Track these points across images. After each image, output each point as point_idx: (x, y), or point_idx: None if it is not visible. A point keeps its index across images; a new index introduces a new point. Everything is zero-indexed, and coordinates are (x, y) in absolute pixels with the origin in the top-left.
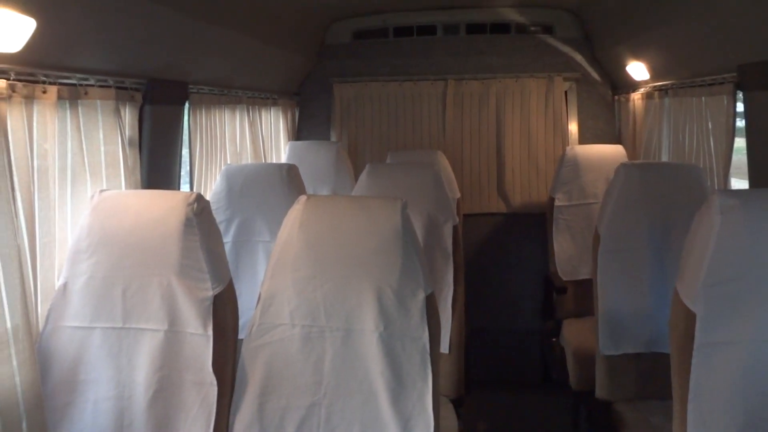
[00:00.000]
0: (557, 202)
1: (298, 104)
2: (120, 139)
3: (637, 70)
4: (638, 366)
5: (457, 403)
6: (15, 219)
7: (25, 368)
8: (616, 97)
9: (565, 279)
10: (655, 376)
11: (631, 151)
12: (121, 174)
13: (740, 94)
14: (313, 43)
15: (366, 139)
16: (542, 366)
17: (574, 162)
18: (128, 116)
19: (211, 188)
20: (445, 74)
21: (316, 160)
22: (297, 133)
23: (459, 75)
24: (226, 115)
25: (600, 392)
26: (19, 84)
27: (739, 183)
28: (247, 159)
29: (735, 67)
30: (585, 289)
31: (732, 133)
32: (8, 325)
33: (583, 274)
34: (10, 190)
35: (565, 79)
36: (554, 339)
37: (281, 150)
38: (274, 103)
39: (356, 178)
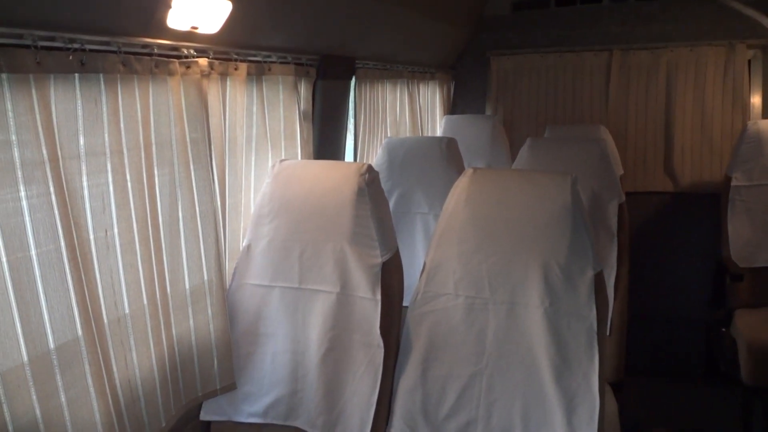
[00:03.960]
0: (734, 182)
1: (454, 78)
2: (297, 112)
3: None
4: None
5: (617, 387)
6: (212, 184)
7: (218, 318)
8: None
9: (740, 265)
10: None
11: None
12: (297, 144)
13: None
14: (472, 15)
15: (522, 113)
16: (708, 357)
17: (756, 138)
18: (303, 90)
19: (373, 160)
20: (610, 44)
21: (472, 133)
22: (452, 107)
23: (626, 45)
24: (387, 88)
25: None
26: (216, 62)
27: None
28: (406, 132)
29: None
30: (763, 277)
31: None
32: (205, 278)
33: (762, 261)
34: (208, 159)
35: (749, 47)
36: (724, 329)
37: (437, 123)
38: (432, 77)
39: (512, 152)
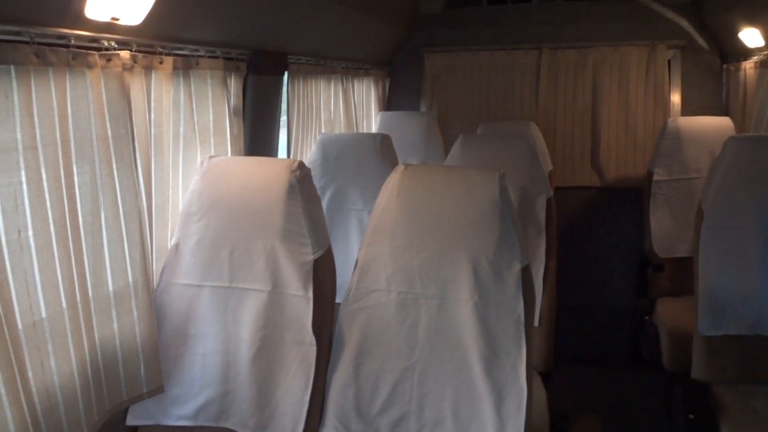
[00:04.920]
0: (656, 177)
1: (389, 74)
2: (227, 107)
3: (751, 36)
4: (740, 348)
5: (546, 377)
6: (136, 182)
7: (144, 320)
8: (725, 66)
9: (661, 256)
10: (760, 360)
11: (740, 124)
12: (227, 141)
13: None
14: (405, 12)
15: (456, 110)
16: (632, 344)
17: (676, 134)
18: (234, 86)
19: (306, 156)
20: (539, 43)
21: (407, 130)
22: (387, 103)
23: (554, 44)
24: (321, 84)
25: (696, 373)
26: (140, 55)
27: None
28: (340, 128)
29: None
30: (682, 266)
31: None
32: (130, 279)
33: (681, 252)
34: (132, 155)
35: (669, 47)
36: (647, 317)
37: (372, 120)
38: (366, 73)
39: (446, 149)
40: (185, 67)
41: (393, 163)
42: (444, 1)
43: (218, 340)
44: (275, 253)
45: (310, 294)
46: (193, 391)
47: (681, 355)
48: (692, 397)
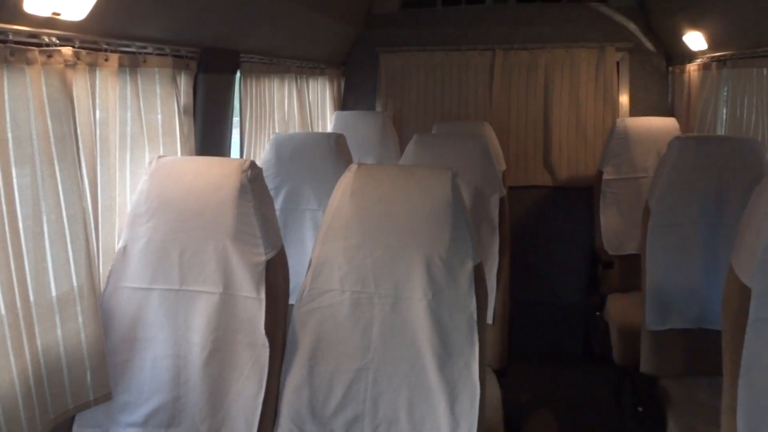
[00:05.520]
0: (605, 176)
1: (345, 74)
2: (176, 106)
3: (695, 39)
4: (685, 341)
5: (500, 374)
6: (80, 183)
7: (90, 325)
8: (671, 69)
9: (611, 253)
10: (704, 352)
11: (685, 125)
12: (177, 141)
13: None
14: (360, 12)
15: (411, 110)
16: (585, 340)
17: (624, 135)
18: (184, 84)
19: (260, 156)
20: (493, 44)
21: (362, 129)
22: (343, 103)
23: (507, 45)
24: (275, 84)
25: (645, 367)
26: (83, 52)
27: None
28: (294, 128)
29: None
30: (631, 263)
31: None
32: (74, 283)
33: (630, 249)
34: (75, 155)
35: (618, 50)
36: (598, 313)
37: (327, 119)
38: (321, 73)
39: (401, 148)
40: (132, 65)
41: (348, 162)
42: (399, 1)
43: (168, 344)
44: (226, 254)
45: (263, 295)
46: (142, 397)
47: (630, 349)
48: (641, 390)
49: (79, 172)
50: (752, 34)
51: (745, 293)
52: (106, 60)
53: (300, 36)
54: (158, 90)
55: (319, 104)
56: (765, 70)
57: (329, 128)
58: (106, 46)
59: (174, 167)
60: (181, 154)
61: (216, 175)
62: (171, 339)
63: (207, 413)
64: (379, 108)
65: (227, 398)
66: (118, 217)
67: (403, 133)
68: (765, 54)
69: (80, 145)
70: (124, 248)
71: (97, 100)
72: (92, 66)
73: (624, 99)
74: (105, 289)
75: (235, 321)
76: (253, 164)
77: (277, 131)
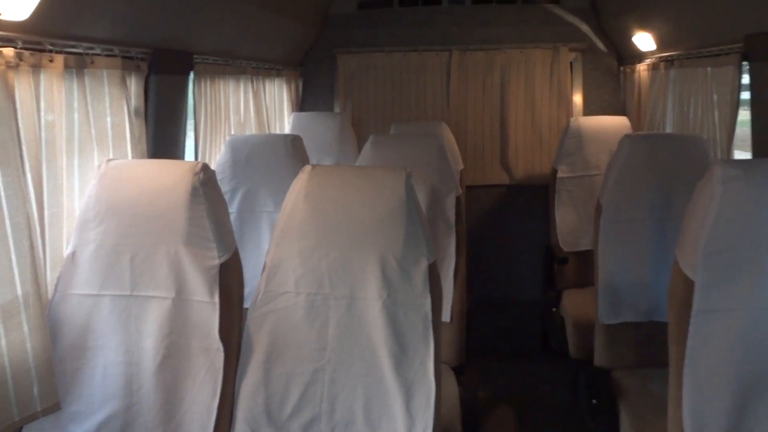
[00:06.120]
0: (560, 174)
1: (302, 75)
2: (126, 108)
3: (644, 40)
4: (637, 334)
5: (458, 371)
6: (24, 188)
7: (36, 334)
8: (622, 68)
9: (566, 250)
10: (654, 345)
11: (636, 123)
12: (127, 144)
13: (746, 66)
14: (317, 12)
15: (370, 111)
16: (542, 335)
17: (577, 133)
18: (134, 86)
19: (216, 159)
20: (449, 45)
21: (320, 131)
22: (300, 104)
23: (464, 46)
24: (231, 85)
25: (599, 360)
26: (26, 53)
27: (743, 155)
28: (251, 130)
29: (741, 37)
30: (586, 259)
31: (736, 104)
32: (19, 292)
33: (584, 245)
34: (19, 160)
35: (571, 50)
36: (554, 309)
37: (285, 121)
38: (278, 74)
39: (360, 149)
40: (79, 66)
41: (305, 164)
42: (356, 2)
43: (120, 351)
44: (179, 258)
45: (217, 299)
46: (93, 406)
47: (585, 343)
48: (595, 382)
49: (23, 177)
50: (697, 35)
51: (688, 286)
52: (51, 61)
53: (255, 37)
54: (107, 92)
55: (277, 106)
56: (709, 70)
57: (287, 130)
58: (51, 47)
59: (124, 171)
60: (132, 158)
61: (167, 178)
62: (122, 346)
63: (161, 420)
64: (337, 109)
65: (182, 405)
66: (67, 222)
67: (362, 134)
68: (709, 54)
69: (24, 150)
70: (73, 254)
71: (42, 103)
72: (36, 67)
73: (578, 98)
74: (53, 297)
75: (189, 326)
76: (205, 166)
77: (233, 133)
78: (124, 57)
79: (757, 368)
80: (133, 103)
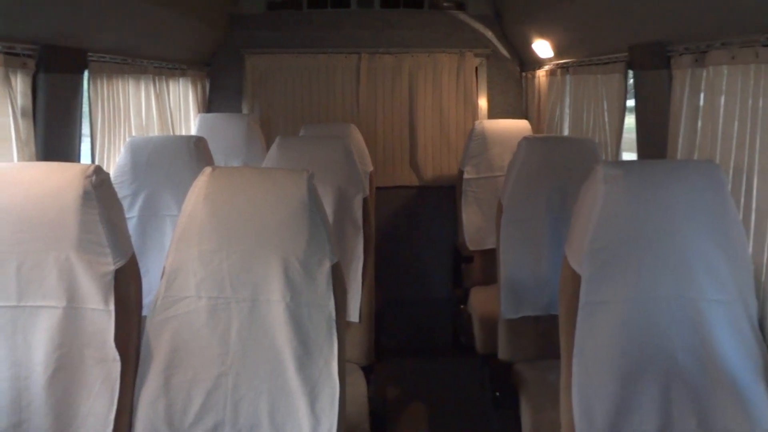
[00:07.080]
0: (466, 175)
1: (210, 76)
2: (11, 109)
3: (542, 47)
4: (537, 328)
5: (368, 370)
6: None
7: None
8: (524, 74)
9: (472, 249)
10: (552, 337)
11: (536, 126)
12: (12, 146)
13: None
14: (222, 12)
15: (279, 112)
16: (452, 332)
17: (482, 136)
18: (20, 85)
19: (115, 162)
20: (358, 48)
21: (227, 132)
22: (208, 106)
23: (372, 49)
24: (131, 85)
25: (502, 354)
26: None
27: (631, 157)
28: (154, 132)
29: (626, 47)
30: (491, 258)
31: (623, 109)
32: None
33: (490, 244)
34: None
35: (476, 55)
36: (462, 306)
37: (191, 122)
38: (183, 74)
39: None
40: None
41: (209, 165)
42: (265, 2)
43: (5, 366)
44: (70, 265)
45: (112, 307)
46: None
47: (490, 338)
48: (498, 375)
49: None
50: (589, 44)
51: (576, 280)
52: None
53: (157, 35)
54: None
55: (182, 107)
56: (599, 77)
57: (193, 132)
58: None
59: (8, 174)
60: (18, 160)
61: (57, 181)
62: (9, 360)
63: None
64: (245, 110)
65: (76, 418)
66: None
67: (272, 136)
68: (599, 62)
69: None
70: None
71: None
72: None
73: (483, 102)
74: None
75: (82, 336)
76: (98, 169)
77: (133, 135)
78: (7, 53)
79: (639, 355)
80: (19, 102)
